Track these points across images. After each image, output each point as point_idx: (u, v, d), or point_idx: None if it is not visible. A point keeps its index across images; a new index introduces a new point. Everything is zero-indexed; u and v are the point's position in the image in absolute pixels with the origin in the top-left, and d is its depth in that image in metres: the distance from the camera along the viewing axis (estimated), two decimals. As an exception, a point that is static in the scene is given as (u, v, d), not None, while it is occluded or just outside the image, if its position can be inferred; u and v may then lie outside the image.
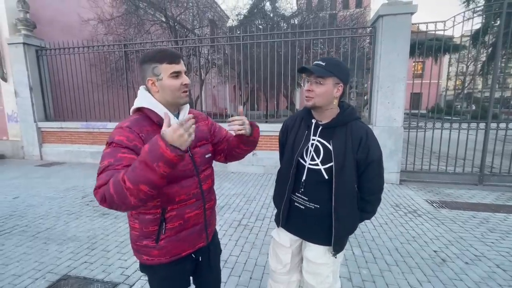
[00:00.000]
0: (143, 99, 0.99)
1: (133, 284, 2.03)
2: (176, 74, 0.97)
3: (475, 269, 2.22)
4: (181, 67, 0.98)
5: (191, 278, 1.19)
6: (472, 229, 2.95)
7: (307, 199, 1.16)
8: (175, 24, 7.87)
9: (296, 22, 10.33)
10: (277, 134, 4.83)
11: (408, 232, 2.88)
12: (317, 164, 1.12)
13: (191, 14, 9.04)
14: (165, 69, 0.95)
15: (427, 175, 4.69)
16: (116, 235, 2.81)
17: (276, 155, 5.42)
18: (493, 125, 4.44)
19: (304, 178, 1.15)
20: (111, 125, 6.02)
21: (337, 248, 1.15)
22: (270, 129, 5.23)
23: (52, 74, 6.45)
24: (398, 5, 4.28)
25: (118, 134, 0.90)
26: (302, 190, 1.16)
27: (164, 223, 0.99)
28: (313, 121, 1.16)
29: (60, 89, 6.32)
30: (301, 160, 1.17)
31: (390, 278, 2.11)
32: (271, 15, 11.21)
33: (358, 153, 1.08)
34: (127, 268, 2.23)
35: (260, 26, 10.23)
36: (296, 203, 1.20)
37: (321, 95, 1.07)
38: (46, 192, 4.19)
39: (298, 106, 15.14)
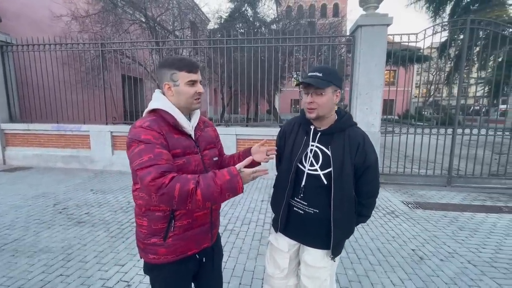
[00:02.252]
0: (159, 101, 1.04)
1: (116, 296, 1.92)
2: (192, 83, 1.03)
3: (450, 266, 2.37)
4: (197, 76, 1.04)
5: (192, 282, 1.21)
6: (444, 227, 3.16)
7: (306, 204, 1.18)
8: (155, 24, 7.67)
9: (277, 28, 10.53)
10: (260, 138, 4.87)
11: (388, 232, 3.03)
12: (316, 170, 1.15)
13: (171, 15, 8.87)
14: (183, 76, 1.01)
15: (402, 178, 4.96)
16: (94, 245, 2.64)
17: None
18: (459, 130, 4.82)
19: (303, 183, 1.17)
20: (86, 128, 5.70)
21: (336, 251, 1.18)
22: (253, 133, 5.26)
23: (19, 72, 5.98)
24: (376, 16, 4.53)
25: (144, 133, 0.94)
26: (302, 195, 1.18)
27: (173, 221, 1.02)
28: (312, 127, 1.18)
29: (28, 88, 5.87)
30: (300, 166, 1.19)
31: (375, 277, 2.20)
32: (252, 20, 11.34)
33: (356, 158, 1.12)
34: (108, 280, 2.11)
35: (241, 30, 10.30)
36: (295, 208, 1.22)
37: (324, 105, 1.10)
38: (11, 199, 3.85)
39: (278, 111, 15.33)
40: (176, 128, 1.02)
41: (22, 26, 6.77)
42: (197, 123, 1.13)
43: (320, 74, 1.08)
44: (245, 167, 1.09)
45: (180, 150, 1.01)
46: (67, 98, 5.78)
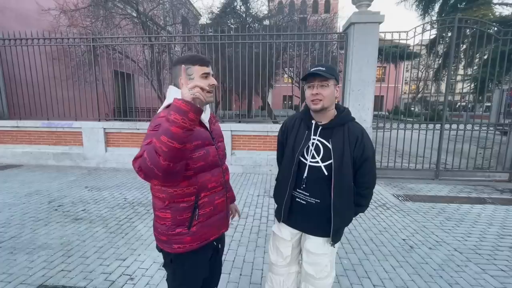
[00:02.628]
0: (177, 96, 1.04)
1: (120, 289, 1.96)
2: (206, 75, 1.09)
3: (438, 253, 2.51)
4: (209, 69, 1.10)
5: None
6: (433, 218, 3.31)
7: (308, 194, 1.25)
8: (147, 20, 7.55)
9: (269, 24, 10.52)
10: (255, 134, 4.90)
11: (380, 223, 3.15)
12: (317, 162, 1.22)
13: (163, 9, 8.74)
14: (197, 70, 1.07)
15: (392, 172, 5.13)
16: (93, 241, 2.66)
17: (254, 154, 5.50)
18: (446, 126, 5.00)
19: (305, 175, 1.24)
20: (78, 124, 5.62)
21: (335, 238, 1.26)
22: (248, 129, 5.30)
23: (6, 67, 5.81)
24: (368, 14, 4.62)
25: None
26: (304, 186, 1.25)
27: (197, 210, 1.09)
28: (313, 122, 1.25)
29: (16, 84, 5.72)
30: (302, 159, 1.25)
31: (368, 265, 2.31)
32: (244, 15, 11.28)
33: (355, 151, 1.19)
34: (110, 274, 2.14)
35: (232, 26, 10.25)
36: (297, 199, 1.28)
37: (328, 96, 1.17)
38: (3, 197, 3.79)
39: (271, 106, 15.37)
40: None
41: (7, 20, 6.57)
42: (209, 117, 1.19)
43: (324, 69, 1.16)
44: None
45: (201, 141, 1.07)
46: (58, 94, 5.66)
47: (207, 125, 1.15)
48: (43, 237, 2.71)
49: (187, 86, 0.89)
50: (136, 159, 0.91)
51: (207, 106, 1.18)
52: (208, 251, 1.18)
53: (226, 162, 1.29)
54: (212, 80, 1.10)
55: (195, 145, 1.04)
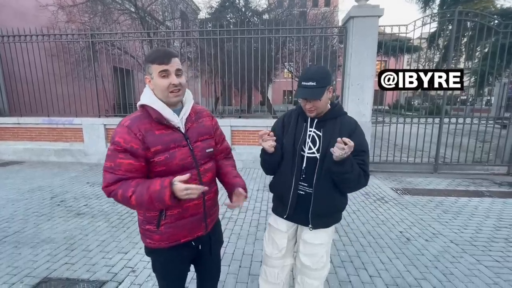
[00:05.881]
0: (145, 96, 1.05)
1: (122, 281, 2.01)
2: (165, 74, 0.99)
3: (434, 245, 2.55)
4: (170, 66, 0.99)
5: (191, 266, 1.27)
6: (430, 211, 3.35)
7: (307, 185, 1.28)
8: (146, 15, 7.51)
9: (268, 18, 10.44)
10: (255, 129, 4.89)
11: (377, 217, 3.20)
12: (313, 153, 1.25)
13: (161, 4, 8.68)
14: (155, 68, 0.99)
15: (391, 166, 5.16)
16: (95, 235, 2.71)
17: (254, 149, 5.52)
18: (446, 120, 5.00)
19: (304, 165, 1.27)
20: (78, 121, 5.64)
21: (315, 223, 1.29)
22: (248, 124, 5.32)
23: (6, 64, 5.82)
24: (367, 7, 4.59)
25: (118, 135, 0.99)
26: (303, 177, 1.28)
27: (164, 210, 1.06)
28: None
29: (16, 81, 5.73)
30: (300, 151, 1.28)
31: (365, 257, 2.36)
32: (243, 9, 11.19)
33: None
34: (113, 266, 2.19)
35: (231, 20, 10.19)
36: (297, 190, 1.31)
37: (321, 106, 1.21)
38: (6, 193, 3.84)
39: (271, 102, 15.35)
40: (161, 123, 1.01)
41: (5, 17, 6.54)
42: (189, 115, 1.11)
43: (314, 83, 1.15)
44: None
45: (161, 146, 1.00)
46: (57, 91, 5.68)
47: (179, 125, 1.06)
48: (46, 232, 2.76)
49: (184, 190, 0.90)
50: (105, 187, 0.98)
51: (188, 103, 1.11)
52: (182, 252, 1.15)
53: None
54: (173, 79, 0.99)
55: (154, 151, 0.99)
